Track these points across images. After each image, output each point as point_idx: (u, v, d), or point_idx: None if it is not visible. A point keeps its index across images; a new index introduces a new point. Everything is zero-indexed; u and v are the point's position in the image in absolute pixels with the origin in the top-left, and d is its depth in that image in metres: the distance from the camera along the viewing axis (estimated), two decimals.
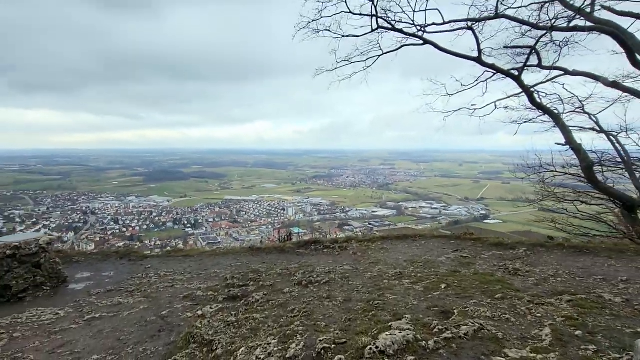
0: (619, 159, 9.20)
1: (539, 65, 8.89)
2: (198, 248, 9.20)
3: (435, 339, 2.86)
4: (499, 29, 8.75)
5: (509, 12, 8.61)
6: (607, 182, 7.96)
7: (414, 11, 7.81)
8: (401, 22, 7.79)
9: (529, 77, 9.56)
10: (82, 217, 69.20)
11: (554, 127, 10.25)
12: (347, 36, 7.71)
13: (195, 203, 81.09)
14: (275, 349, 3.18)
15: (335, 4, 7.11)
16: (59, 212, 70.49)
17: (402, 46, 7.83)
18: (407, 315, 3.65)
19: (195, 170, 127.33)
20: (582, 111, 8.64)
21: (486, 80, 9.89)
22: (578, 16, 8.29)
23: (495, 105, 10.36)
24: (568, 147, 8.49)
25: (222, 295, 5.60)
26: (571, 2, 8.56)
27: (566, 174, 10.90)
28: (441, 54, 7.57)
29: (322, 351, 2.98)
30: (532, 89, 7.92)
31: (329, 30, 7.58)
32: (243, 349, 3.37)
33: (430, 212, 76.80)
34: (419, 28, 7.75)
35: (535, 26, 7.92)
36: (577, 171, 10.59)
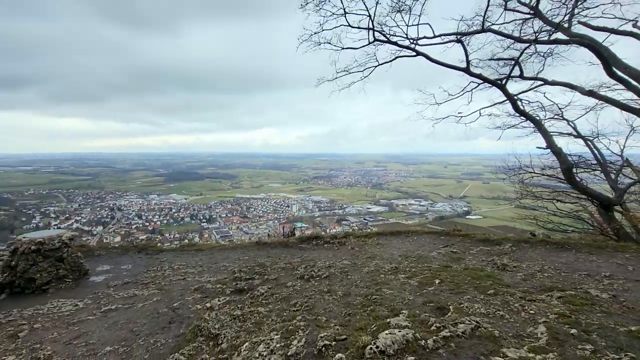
0: (594, 162, 8.95)
1: (521, 76, 8.61)
2: (209, 243, 8.92)
3: (434, 337, 2.57)
4: (485, 42, 8.50)
5: (494, 27, 8.35)
6: (581, 182, 7.67)
7: (407, 25, 7.56)
8: (395, 35, 7.54)
9: (511, 87, 9.28)
10: (109, 213, 69.07)
11: (534, 132, 9.99)
12: (346, 48, 7.45)
13: (209, 200, 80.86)
14: (278, 345, 2.90)
15: (335, 18, 6.86)
16: (89, 209, 70.37)
17: (396, 57, 7.57)
18: (404, 311, 3.37)
19: (210, 172, 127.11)
20: (561, 118, 8.37)
21: (471, 90, 9.64)
22: (558, 31, 8.02)
23: (480, 113, 10.10)
24: (549, 150, 8.22)
25: (229, 288, 5.33)
26: (550, 18, 8.30)
27: (543, 175, 10.70)
28: (430, 67, 7.31)
29: (323, 348, 2.71)
30: (515, 97, 7.63)
31: (330, 43, 7.32)
32: (247, 344, 3.10)
33: (418, 208, 76.52)
34: (411, 41, 7.49)
35: (518, 39, 7.65)
36: (554, 172, 10.37)
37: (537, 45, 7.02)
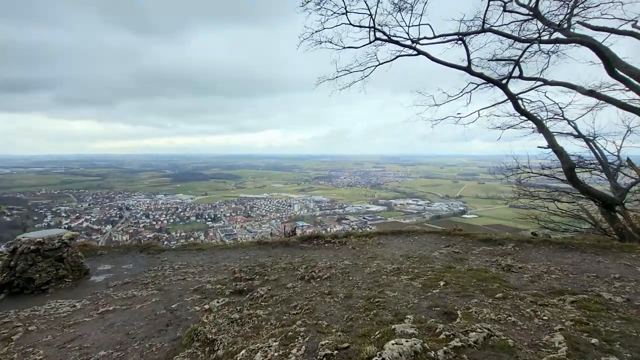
0: (593, 162, 8.65)
1: (521, 77, 8.30)
2: (211, 242, 8.64)
3: (445, 348, 2.28)
4: (484, 44, 8.23)
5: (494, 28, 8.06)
6: (583, 182, 7.36)
7: (408, 26, 7.27)
8: (396, 35, 7.26)
9: (510, 88, 8.98)
10: (118, 212, 68.91)
11: (533, 132, 9.70)
12: (347, 47, 7.16)
13: (214, 200, 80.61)
14: (276, 354, 2.62)
15: (336, 17, 6.59)
16: (98, 208, 70.28)
17: (397, 56, 7.29)
18: (409, 316, 3.08)
19: (215, 172, 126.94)
20: (561, 117, 8.05)
21: (470, 91, 9.35)
22: (556, 31, 7.73)
23: (479, 114, 9.81)
24: (549, 150, 7.91)
25: (229, 289, 5.04)
26: (549, 19, 8.01)
27: (541, 174, 10.43)
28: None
29: (324, 358, 2.42)
30: (517, 97, 7.33)
31: (331, 42, 7.04)
32: (244, 351, 2.81)
33: (416, 208, 76.13)
34: (412, 41, 7.20)
35: (519, 39, 7.35)
36: (551, 172, 10.09)
37: (540, 45, 6.71)
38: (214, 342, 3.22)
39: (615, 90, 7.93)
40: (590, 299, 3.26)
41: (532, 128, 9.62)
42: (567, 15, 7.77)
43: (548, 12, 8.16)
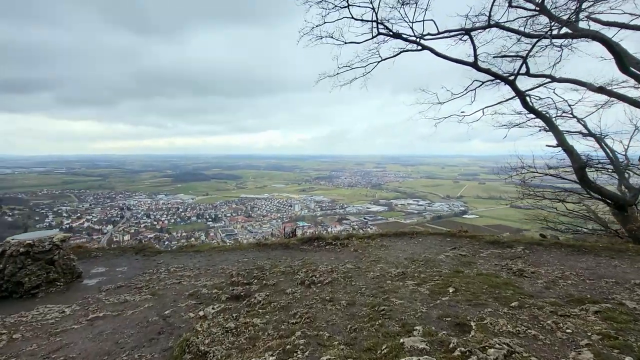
0: (601, 161, 8.37)
1: (527, 73, 8.03)
2: (208, 244, 8.38)
3: None
4: (490, 39, 7.95)
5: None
6: (594, 182, 7.09)
7: (412, 22, 7.00)
8: (398, 31, 7.00)
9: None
10: (119, 212, 68.77)
11: (539, 131, 9.43)
12: (349, 43, 6.90)
13: (215, 200, 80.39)
14: None
15: (337, 10, 6.33)
16: (99, 208, 70.15)
17: (401, 52, 7.02)
18: (418, 327, 2.82)
19: (216, 173, 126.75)
20: (570, 115, 7.78)
21: (475, 89, 9.09)
22: (564, 27, 7.45)
23: (483, 112, 9.54)
24: (556, 149, 7.64)
25: (225, 294, 4.79)
26: (557, 15, 7.73)
27: (546, 174, 10.17)
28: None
29: None
30: (525, 94, 7.06)
31: (332, 37, 6.78)
32: None
33: (416, 208, 75.76)
34: (416, 37, 6.94)
35: (527, 34, 7.08)
36: (556, 172, 9.83)
37: (552, 39, 6.45)
38: (206, 355, 2.97)
39: (625, 87, 7.66)
40: (615, 308, 2.99)
41: (539, 127, 9.34)
42: (576, 10, 7.50)
43: (554, 7, 7.89)
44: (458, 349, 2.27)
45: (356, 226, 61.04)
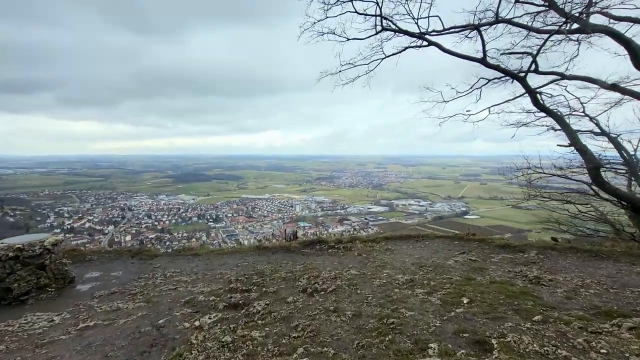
0: (611, 160, 8.07)
1: (536, 71, 7.74)
2: (206, 247, 8.12)
3: None
4: (496, 36, 7.66)
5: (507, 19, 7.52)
6: (609, 184, 6.78)
7: (417, 18, 6.72)
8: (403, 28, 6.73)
9: (519, 87, 8.45)
10: (120, 213, 68.74)
11: (547, 130, 9.14)
12: (352, 39, 6.63)
13: (216, 201, 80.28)
14: None
15: (340, 4, 6.06)
16: (101, 209, 70.14)
17: (406, 48, 6.74)
18: (432, 345, 2.54)
19: (217, 173, 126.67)
20: (582, 114, 7.49)
21: (480, 87, 8.80)
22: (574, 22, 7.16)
23: (489, 111, 9.26)
24: (564, 150, 7.35)
25: (223, 302, 4.52)
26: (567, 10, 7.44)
27: (553, 175, 9.88)
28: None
29: None
30: (536, 91, 6.77)
31: (334, 33, 6.52)
32: None
33: (418, 208, 75.45)
34: (422, 33, 6.67)
35: (537, 30, 6.79)
36: (563, 173, 9.55)
37: (567, 33, 6.16)
38: None
39: (637, 85, 7.35)
40: None
41: (546, 126, 9.05)
42: (587, 4, 7.21)
43: (565, 2, 7.61)
44: None
45: (357, 227, 60.79)
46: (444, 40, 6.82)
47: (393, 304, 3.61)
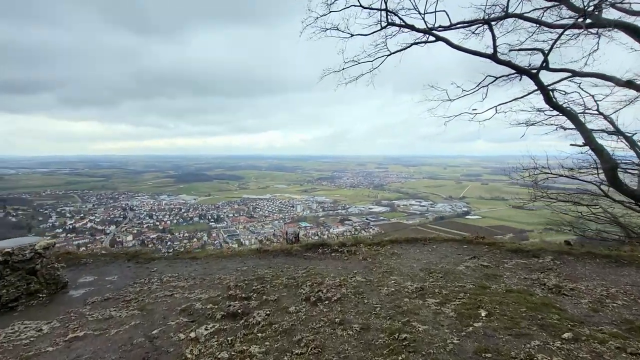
0: (624, 161, 7.78)
1: (547, 67, 7.45)
2: (205, 250, 7.85)
3: None
4: (506, 31, 7.37)
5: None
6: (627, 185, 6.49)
7: (423, 13, 6.45)
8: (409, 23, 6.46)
9: (529, 84, 8.15)
10: (122, 213, 68.63)
11: (556, 129, 8.87)
12: (355, 35, 6.35)
13: (217, 201, 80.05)
14: None
15: None
16: (102, 209, 70.04)
17: (412, 44, 6.45)
18: None
19: (218, 173, 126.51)
20: (596, 112, 7.18)
21: (487, 85, 8.52)
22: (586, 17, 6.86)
23: (496, 110, 8.97)
24: (575, 150, 7.07)
25: (221, 310, 4.24)
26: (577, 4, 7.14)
27: (561, 175, 9.59)
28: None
29: None
30: (549, 88, 6.48)
31: (337, 29, 6.23)
32: None
33: (419, 209, 75.05)
34: (428, 28, 6.39)
35: (550, 25, 6.50)
36: (571, 173, 9.27)
37: (585, 27, 5.87)
38: None
39: None
40: None
41: (556, 125, 8.77)
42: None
43: None
44: None
45: (358, 227, 60.47)
46: (450, 37, 6.55)
47: (404, 315, 3.32)
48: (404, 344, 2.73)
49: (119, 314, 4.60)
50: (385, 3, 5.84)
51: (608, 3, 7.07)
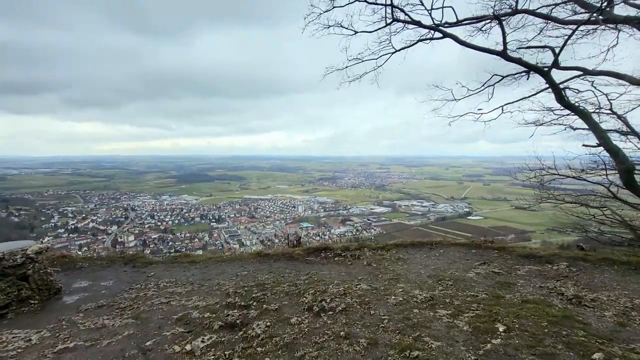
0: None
1: (556, 66, 7.18)
2: (204, 254, 7.63)
3: None
4: (511, 30, 7.13)
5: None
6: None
7: (430, 9, 6.20)
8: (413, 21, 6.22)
9: (537, 83, 7.89)
10: (124, 213, 68.73)
11: (565, 130, 8.59)
12: (360, 32, 6.11)
13: (219, 201, 79.99)
14: None
15: None
16: (104, 209, 70.14)
17: (418, 41, 6.21)
18: None
19: (220, 174, 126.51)
20: (609, 111, 6.91)
21: (494, 84, 8.28)
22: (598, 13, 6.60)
23: (503, 109, 8.72)
24: (585, 151, 6.80)
25: (219, 320, 4.01)
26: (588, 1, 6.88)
27: (569, 177, 9.32)
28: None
29: None
30: (561, 87, 6.23)
31: (341, 26, 6.01)
32: None
33: (420, 209, 74.71)
34: (435, 24, 6.15)
35: (562, 21, 6.24)
36: (578, 174, 9.01)
37: (603, 22, 5.62)
38: None
39: None
40: None
41: (565, 125, 8.51)
42: None
43: None
44: None
45: (360, 227, 60.19)
46: (457, 34, 6.32)
47: (414, 329, 3.08)
48: None
49: (112, 322, 4.37)
50: None
51: (620, 1, 6.81)
